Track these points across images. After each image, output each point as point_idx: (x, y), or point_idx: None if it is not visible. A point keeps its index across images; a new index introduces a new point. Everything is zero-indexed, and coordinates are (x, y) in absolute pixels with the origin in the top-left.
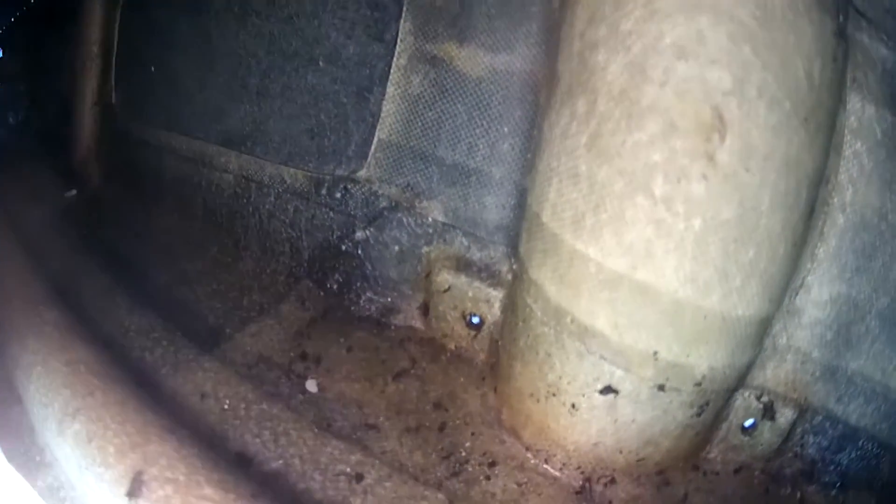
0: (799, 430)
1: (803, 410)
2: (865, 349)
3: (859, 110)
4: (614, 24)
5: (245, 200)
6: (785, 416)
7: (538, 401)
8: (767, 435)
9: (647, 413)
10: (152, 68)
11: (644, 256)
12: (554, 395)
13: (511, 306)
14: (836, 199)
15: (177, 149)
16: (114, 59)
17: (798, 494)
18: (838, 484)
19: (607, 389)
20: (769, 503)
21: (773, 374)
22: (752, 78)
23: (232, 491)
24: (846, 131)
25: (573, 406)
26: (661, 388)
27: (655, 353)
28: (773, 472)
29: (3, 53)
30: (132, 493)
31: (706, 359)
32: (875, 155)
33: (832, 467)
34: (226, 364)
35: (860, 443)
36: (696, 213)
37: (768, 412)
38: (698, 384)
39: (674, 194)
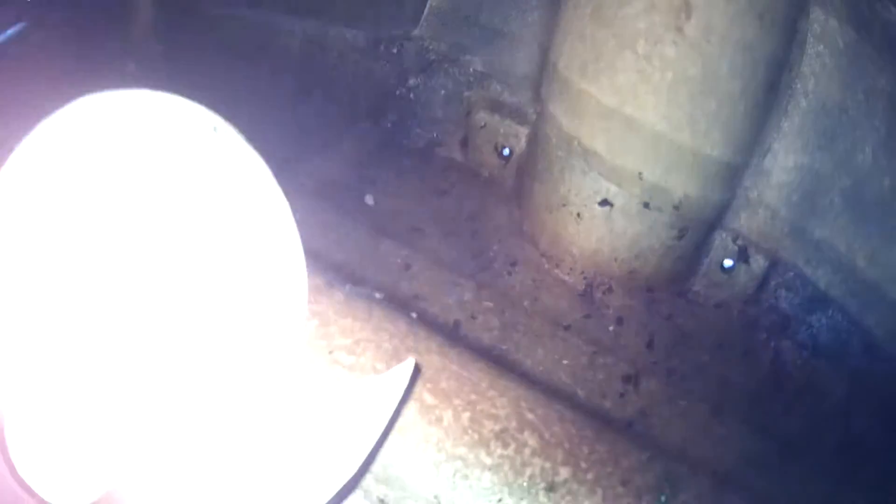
0: (773, 282)
1: (774, 262)
2: (830, 221)
3: (823, 21)
4: None
5: (309, 59)
6: (758, 262)
7: (551, 212)
8: (743, 277)
9: (636, 227)
10: None
11: (630, 95)
12: (564, 205)
13: (534, 138)
14: (799, 85)
15: (241, 19)
16: None
17: (772, 343)
18: (811, 346)
19: (604, 202)
20: (745, 341)
21: (747, 222)
22: None
23: (316, 272)
24: (809, 34)
25: (578, 215)
26: (647, 205)
27: (640, 173)
28: (750, 316)
29: None
30: None
31: (681, 186)
32: (836, 59)
33: (804, 328)
34: (294, 186)
35: (830, 312)
36: (669, 68)
37: (742, 255)
38: (676, 207)
39: (652, 53)
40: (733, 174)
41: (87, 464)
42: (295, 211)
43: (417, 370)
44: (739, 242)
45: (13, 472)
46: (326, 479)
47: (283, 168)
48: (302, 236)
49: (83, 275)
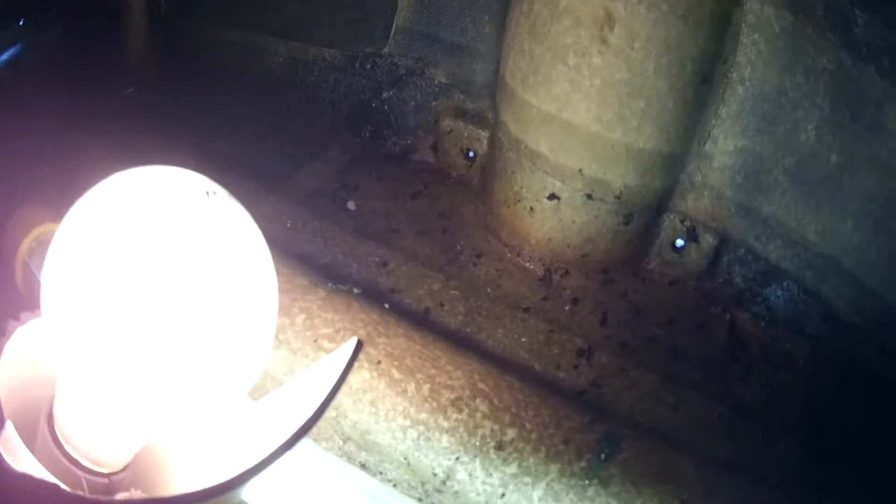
0: (725, 258)
1: (724, 239)
2: (777, 198)
3: (758, 10)
4: None
5: (293, 76)
6: (707, 240)
7: (509, 206)
8: (695, 256)
9: (582, 216)
10: None
11: (565, 102)
12: (518, 201)
13: (492, 141)
14: (734, 74)
15: (229, 40)
16: None
17: (728, 315)
18: (767, 317)
19: (552, 196)
20: (699, 315)
21: (694, 204)
22: None
23: (301, 274)
24: (743, 25)
25: (531, 209)
26: (590, 196)
27: (580, 169)
28: (705, 291)
29: None
30: None
31: (620, 177)
32: (773, 44)
33: (759, 299)
34: (286, 196)
35: (784, 283)
36: (597, 76)
37: (692, 235)
38: (618, 197)
39: (581, 63)
40: (672, 163)
41: (120, 426)
42: (286, 219)
43: (360, 344)
44: (687, 223)
45: (58, 444)
46: (290, 424)
47: (275, 182)
48: (293, 242)
49: (117, 294)
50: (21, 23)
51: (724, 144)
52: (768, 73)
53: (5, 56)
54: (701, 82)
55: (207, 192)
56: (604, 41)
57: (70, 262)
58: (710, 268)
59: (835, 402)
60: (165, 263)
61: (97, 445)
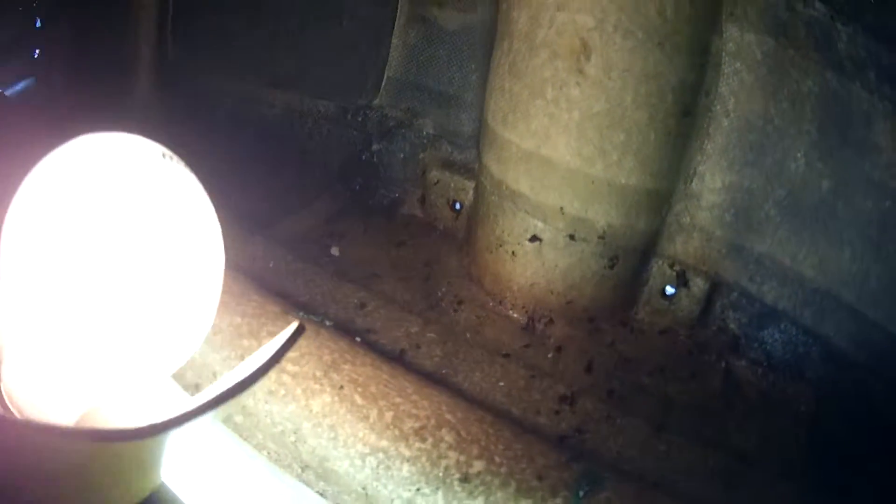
0: (718, 304)
1: (716, 283)
2: (769, 234)
3: (737, 38)
4: None
5: (289, 127)
6: (697, 284)
7: (491, 252)
8: (686, 302)
9: (565, 259)
10: (207, 29)
11: (544, 138)
12: (500, 245)
13: (476, 188)
14: (718, 107)
15: (231, 92)
16: (169, 22)
17: (723, 363)
18: (766, 362)
19: (534, 238)
20: (692, 363)
21: (683, 248)
22: (609, 19)
23: (273, 303)
24: (724, 54)
25: (513, 253)
26: (572, 237)
27: (561, 208)
28: (698, 340)
29: (42, 23)
30: None
31: (603, 216)
32: (756, 72)
33: (756, 344)
34: (272, 240)
35: (782, 325)
36: (575, 108)
37: (682, 280)
38: (601, 237)
39: (559, 96)
40: (656, 201)
41: (68, 386)
42: (269, 260)
43: (301, 328)
44: (677, 268)
45: (2, 404)
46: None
47: (264, 226)
48: (273, 280)
49: (63, 256)
50: (35, 55)
51: (711, 181)
52: (753, 103)
53: (19, 86)
54: (683, 114)
55: (164, 155)
56: (581, 72)
57: (21, 229)
58: (702, 315)
59: (840, 443)
60: (113, 231)
61: (39, 407)
